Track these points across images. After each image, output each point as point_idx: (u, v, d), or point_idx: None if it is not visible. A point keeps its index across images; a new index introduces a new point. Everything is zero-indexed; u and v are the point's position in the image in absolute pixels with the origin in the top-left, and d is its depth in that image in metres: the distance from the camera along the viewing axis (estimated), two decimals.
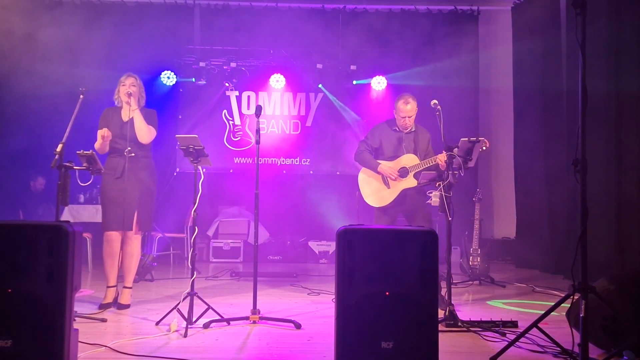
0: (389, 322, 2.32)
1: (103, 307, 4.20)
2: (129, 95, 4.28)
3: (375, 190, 4.61)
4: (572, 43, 6.17)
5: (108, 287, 4.30)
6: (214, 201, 8.21)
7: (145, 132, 4.31)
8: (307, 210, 8.00)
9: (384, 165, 4.59)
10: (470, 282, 5.83)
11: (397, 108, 4.59)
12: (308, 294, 5.13)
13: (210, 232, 7.93)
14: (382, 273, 2.36)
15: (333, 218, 7.54)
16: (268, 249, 7.86)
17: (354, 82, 8.19)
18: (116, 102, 4.43)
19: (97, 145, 4.23)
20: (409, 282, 2.35)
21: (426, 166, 4.44)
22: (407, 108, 4.54)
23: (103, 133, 4.17)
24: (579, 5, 2.64)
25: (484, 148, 4.16)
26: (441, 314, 3.76)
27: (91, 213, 6.72)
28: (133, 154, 4.26)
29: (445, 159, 4.00)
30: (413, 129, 4.67)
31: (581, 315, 2.53)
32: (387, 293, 2.33)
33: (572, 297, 2.77)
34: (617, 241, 5.41)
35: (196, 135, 3.83)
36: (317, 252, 7.78)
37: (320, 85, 8.23)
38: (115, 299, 4.31)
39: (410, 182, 4.51)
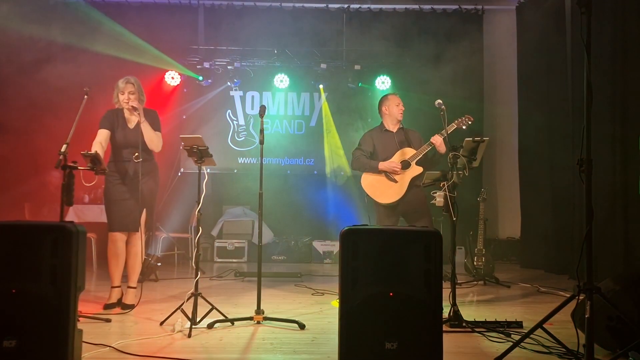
0: (393, 323, 2.31)
1: (108, 307, 4.21)
2: (134, 109, 4.25)
3: (384, 189, 4.62)
4: (577, 41, 6.14)
5: (112, 287, 4.32)
6: (218, 201, 8.21)
7: (156, 142, 4.36)
8: (311, 210, 7.99)
9: (384, 162, 4.67)
10: (475, 283, 5.80)
11: (391, 101, 4.81)
12: (312, 294, 5.12)
13: (215, 232, 7.93)
14: (386, 273, 2.35)
15: (337, 218, 7.53)
16: (272, 249, 7.85)
17: (359, 85, 8.17)
18: (116, 106, 4.41)
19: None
20: (413, 282, 2.34)
21: (424, 151, 4.59)
22: (397, 96, 4.88)
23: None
24: (583, 4, 2.62)
25: (469, 122, 4.52)
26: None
27: (96, 213, 6.72)
28: (140, 159, 4.28)
29: (441, 140, 4.46)
30: (401, 127, 4.83)
31: (586, 316, 2.52)
32: (391, 294, 2.33)
33: (577, 297, 2.76)
34: (623, 241, 5.38)
35: (200, 136, 3.84)
36: (321, 252, 7.77)
37: (320, 86, 8.22)
38: (120, 299, 4.32)
39: (416, 170, 4.61)
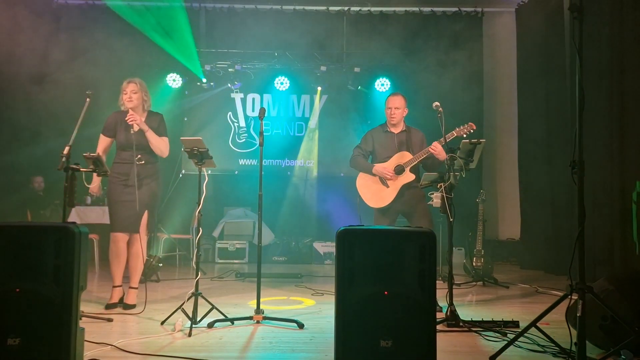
0: (388, 321, 2.35)
1: (109, 307, 4.28)
2: (134, 119, 4.28)
3: (376, 192, 4.66)
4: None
5: (114, 287, 4.39)
6: (220, 202, 8.27)
7: (162, 148, 4.42)
8: (311, 212, 8.05)
9: (379, 166, 4.67)
10: (474, 283, 5.85)
11: (386, 102, 4.76)
12: (312, 295, 5.17)
13: (216, 233, 7.98)
14: (381, 273, 2.39)
15: (338, 219, 7.57)
16: (273, 250, 7.90)
17: (359, 88, 8.22)
18: (122, 108, 4.45)
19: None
20: (407, 281, 2.38)
21: (420, 158, 4.53)
22: (394, 98, 4.73)
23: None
24: (576, 9, 2.67)
25: (471, 131, 4.40)
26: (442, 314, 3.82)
27: (98, 214, 6.78)
28: (143, 162, 4.35)
29: (441, 147, 4.38)
30: (404, 129, 4.76)
31: (578, 315, 2.56)
32: (385, 292, 2.37)
33: (570, 297, 2.80)
34: (621, 241, 5.42)
35: (200, 138, 3.90)
36: (322, 253, 7.81)
37: (318, 88, 8.27)
38: (122, 298, 4.38)
39: (408, 177, 4.60)
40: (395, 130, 4.77)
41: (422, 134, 4.79)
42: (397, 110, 4.70)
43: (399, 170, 4.60)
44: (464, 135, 4.39)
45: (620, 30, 5.50)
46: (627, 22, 5.45)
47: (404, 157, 4.63)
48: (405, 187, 4.61)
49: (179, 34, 7.67)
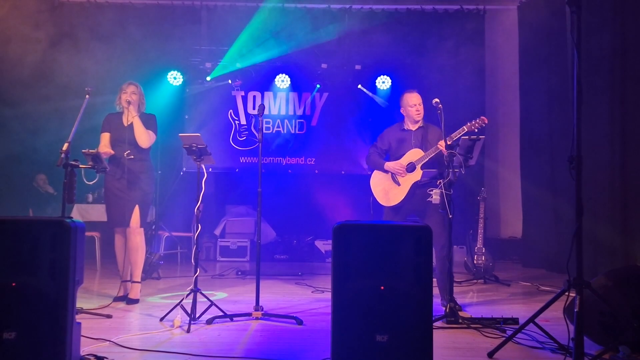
0: (384, 316, 2.34)
1: (115, 300, 4.41)
2: (128, 103, 4.46)
3: (387, 190, 4.57)
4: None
5: (121, 281, 4.55)
6: (221, 200, 8.27)
7: (144, 137, 4.48)
8: (313, 210, 8.03)
9: (391, 162, 4.57)
10: (475, 281, 5.83)
11: (405, 100, 4.59)
12: (312, 292, 5.17)
13: (218, 231, 7.98)
14: (377, 267, 2.38)
15: (339, 217, 7.56)
16: (274, 248, 7.90)
17: (359, 87, 8.21)
18: (117, 108, 4.59)
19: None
20: (403, 276, 2.37)
21: (431, 155, 4.36)
22: (415, 95, 4.56)
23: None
24: (574, 3, 2.65)
25: (483, 125, 4.19)
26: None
27: (100, 212, 6.77)
28: (132, 157, 4.43)
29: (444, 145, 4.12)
30: (422, 125, 4.61)
31: (575, 310, 2.55)
32: (382, 287, 2.36)
33: (568, 293, 2.79)
34: (622, 238, 5.40)
35: (199, 134, 3.91)
36: (323, 251, 7.81)
37: (317, 85, 8.28)
38: (127, 293, 4.49)
39: (419, 174, 4.47)
40: (413, 128, 4.62)
41: (439, 130, 4.49)
42: (420, 106, 4.57)
43: (411, 167, 4.47)
44: (476, 131, 4.20)
45: (623, 28, 5.47)
46: (629, 20, 5.42)
47: (417, 154, 4.48)
48: (417, 186, 4.45)
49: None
